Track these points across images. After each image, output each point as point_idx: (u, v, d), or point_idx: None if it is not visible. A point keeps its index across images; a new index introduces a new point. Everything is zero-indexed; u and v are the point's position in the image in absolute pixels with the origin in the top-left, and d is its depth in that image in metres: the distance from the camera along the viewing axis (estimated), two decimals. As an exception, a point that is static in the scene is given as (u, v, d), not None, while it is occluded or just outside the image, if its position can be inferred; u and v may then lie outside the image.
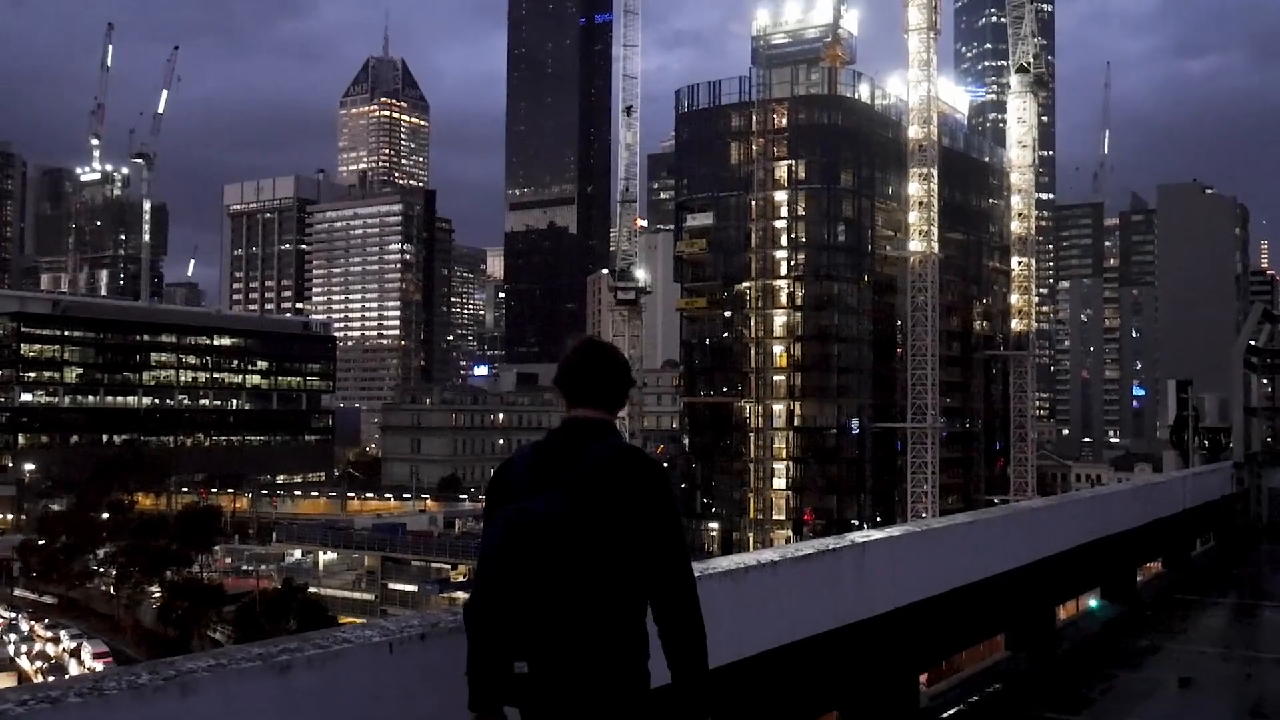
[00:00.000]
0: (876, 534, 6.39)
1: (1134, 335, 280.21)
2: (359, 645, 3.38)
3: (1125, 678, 9.10)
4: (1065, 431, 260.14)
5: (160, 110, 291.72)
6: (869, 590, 5.95)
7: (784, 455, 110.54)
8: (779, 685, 5.09)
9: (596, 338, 4.22)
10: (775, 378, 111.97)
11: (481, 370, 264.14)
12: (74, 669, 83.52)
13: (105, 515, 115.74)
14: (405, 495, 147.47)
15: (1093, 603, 12.10)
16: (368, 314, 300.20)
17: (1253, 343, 19.75)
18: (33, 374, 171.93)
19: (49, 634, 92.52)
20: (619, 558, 3.39)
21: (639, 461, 3.53)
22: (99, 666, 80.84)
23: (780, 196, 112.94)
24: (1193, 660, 9.89)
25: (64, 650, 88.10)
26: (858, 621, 5.71)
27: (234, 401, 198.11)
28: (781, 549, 5.46)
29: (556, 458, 3.52)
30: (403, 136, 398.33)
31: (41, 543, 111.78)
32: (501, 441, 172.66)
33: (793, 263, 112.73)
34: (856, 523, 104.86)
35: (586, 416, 3.66)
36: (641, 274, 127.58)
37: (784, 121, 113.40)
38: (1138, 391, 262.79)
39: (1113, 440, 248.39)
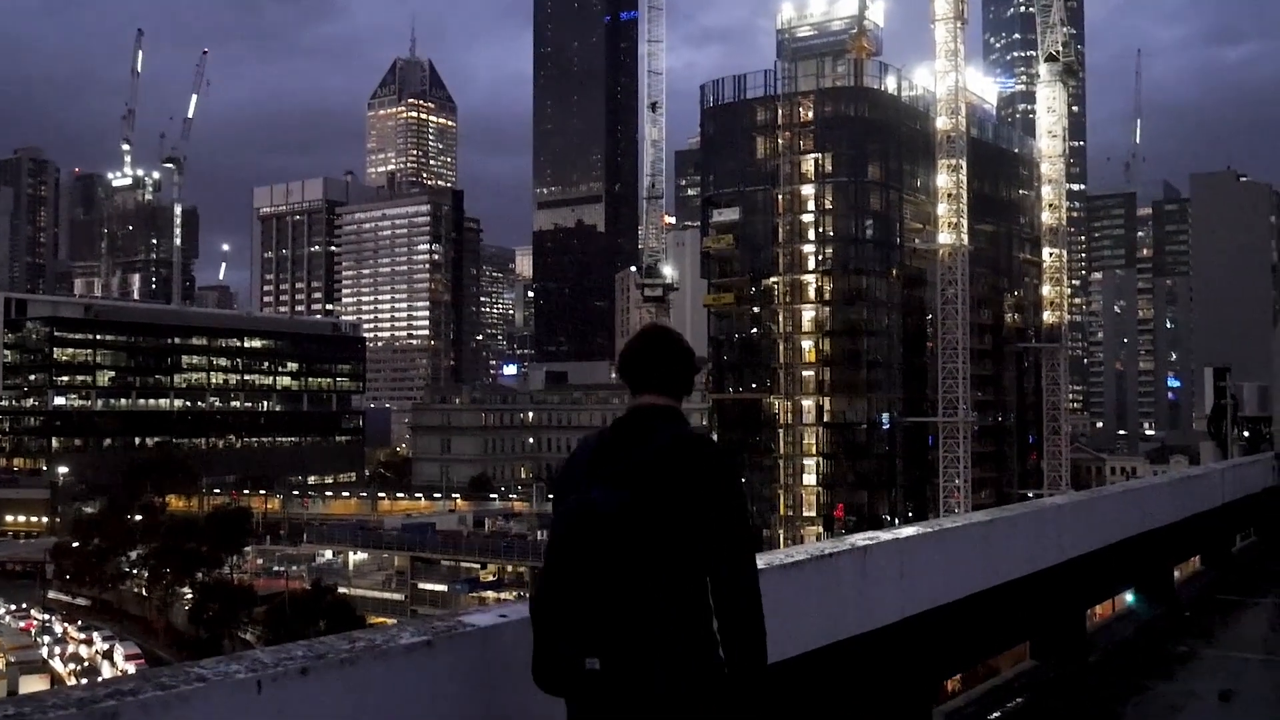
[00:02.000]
0: (883, 535, 5.74)
1: (1168, 326, 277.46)
2: (215, 684, 2.75)
3: (1161, 689, 8.39)
4: (1099, 424, 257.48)
5: (190, 115, 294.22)
6: (872, 600, 5.32)
7: (814, 451, 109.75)
8: (766, 710, 4.48)
9: (660, 324, 4.03)
10: (804, 373, 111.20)
11: (511, 369, 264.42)
12: (107, 671, 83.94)
13: (138, 517, 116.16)
14: (436, 495, 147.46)
15: (1129, 597, 11.43)
16: (397, 314, 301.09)
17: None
18: (65, 378, 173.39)
19: (82, 636, 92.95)
20: (685, 549, 3.29)
21: (701, 450, 3.42)
22: (131, 668, 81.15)
23: (807, 190, 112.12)
24: (1234, 669, 9.17)
25: (97, 652, 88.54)
26: (859, 635, 5.08)
27: (265, 403, 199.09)
28: (769, 555, 4.82)
29: (620, 446, 3.45)
30: (430, 137, 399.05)
31: (75, 545, 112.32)
32: (531, 440, 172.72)
33: (820, 257, 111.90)
34: (888, 518, 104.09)
35: (652, 404, 3.58)
36: (668, 271, 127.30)
37: (810, 115, 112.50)
38: (1173, 383, 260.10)
39: (1148, 432, 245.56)
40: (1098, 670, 8.64)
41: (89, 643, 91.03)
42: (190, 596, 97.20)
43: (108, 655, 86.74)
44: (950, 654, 6.29)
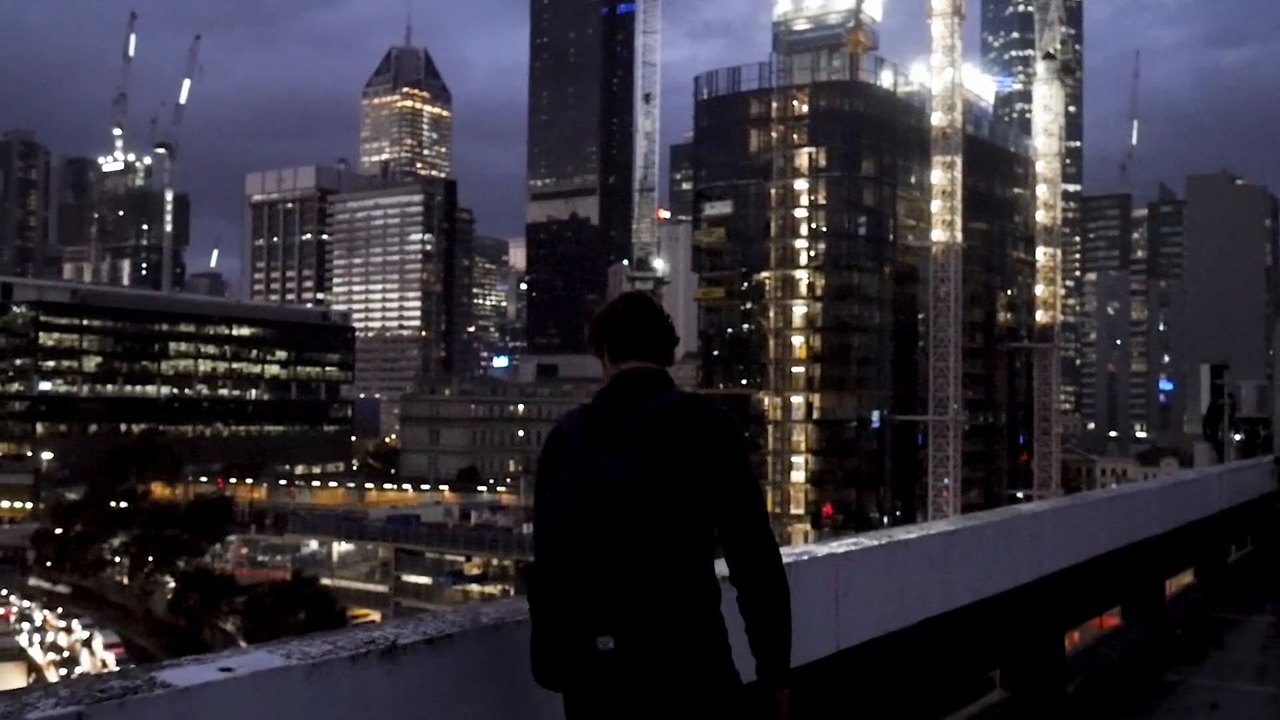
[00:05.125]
0: (816, 550, 4.75)
1: (1161, 328, 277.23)
2: None
3: None
4: (1091, 425, 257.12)
5: (182, 100, 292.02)
6: (798, 630, 4.35)
7: (803, 448, 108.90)
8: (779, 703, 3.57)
9: (639, 291, 3.85)
10: (794, 369, 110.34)
11: (501, 361, 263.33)
12: (86, 659, 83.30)
13: (121, 504, 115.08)
14: (423, 486, 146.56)
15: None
16: (388, 304, 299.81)
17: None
18: (51, 363, 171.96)
19: (61, 624, 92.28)
20: (696, 517, 3.12)
21: (706, 411, 3.23)
22: (110, 657, 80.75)
23: (800, 185, 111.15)
24: (1231, 700, 8.19)
25: (76, 640, 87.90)
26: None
27: (253, 391, 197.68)
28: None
29: (615, 413, 3.22)
30: (425, 127, 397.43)
31: (57, 531, 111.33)
32: (521, 433, 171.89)
33: (813, 252, 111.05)
34: (877, 517, 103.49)
35: (640, 368, 3.34)
36: (659, 264, 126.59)
37: (804, 108, 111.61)
38: (1164, 385, 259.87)
39: (1139, 435, 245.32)
40: (1076, 702, 7.62)
41: (68, 631, 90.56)
42: (171, 585, 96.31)
43: (87, 644, 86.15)
44: (895, 692, 5.32)
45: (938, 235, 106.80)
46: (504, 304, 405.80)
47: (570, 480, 3.09)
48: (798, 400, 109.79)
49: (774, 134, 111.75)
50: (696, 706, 3.01)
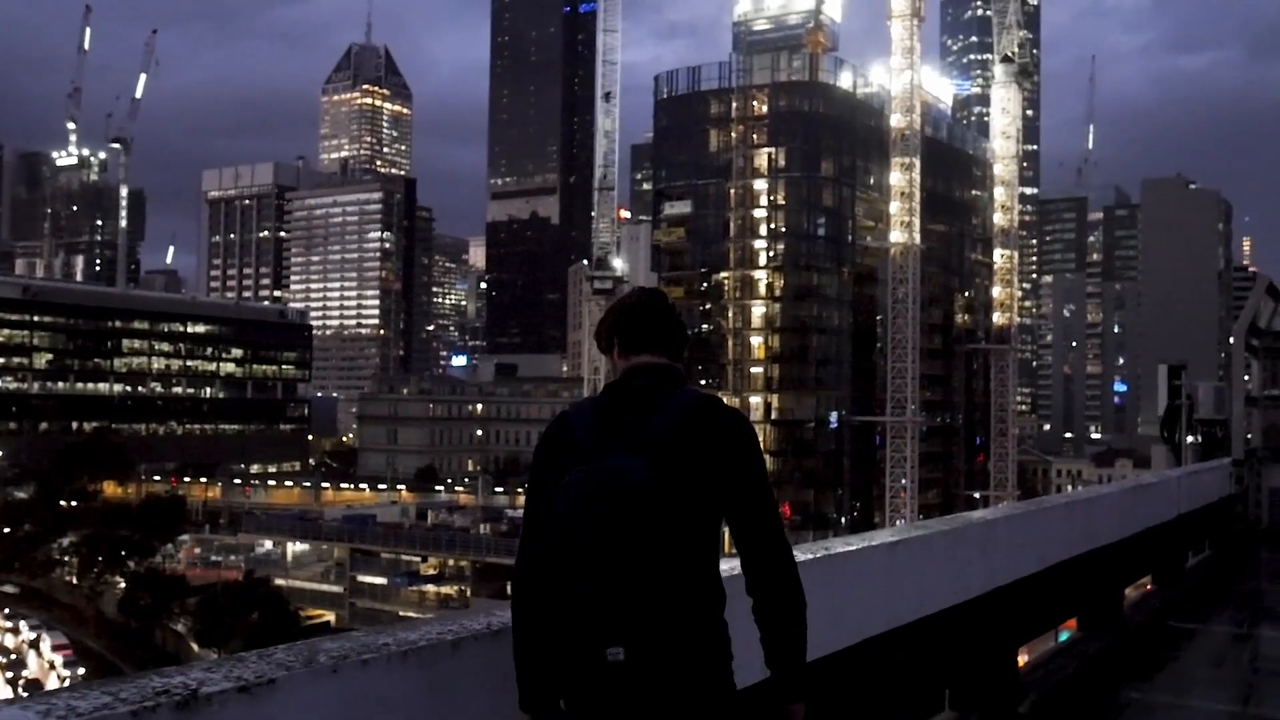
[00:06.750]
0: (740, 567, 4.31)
1: (1116, 330, 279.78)
2: None
3: None
4: (1046, 426, 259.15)
5: (138, 95, 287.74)
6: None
7: (761, 449, 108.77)
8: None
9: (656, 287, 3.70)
10: (753, 370, 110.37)
11: (459, 360, 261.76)
12: (33, 661, 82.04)
13: (72, 503, 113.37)
14: (380, 486, 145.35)
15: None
16: (346, 302, 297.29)
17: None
18: (1, 359, 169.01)
19: (9, 625, 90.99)
20: (711, 521, 3.06)
21: (725, 414, 3.13)
22: (59, 659, 79.48)
23: (760, 185, 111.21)
24: (1190, 718, 7.84)
25: (24, 642, 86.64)
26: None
27: (208, 389, 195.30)
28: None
29: (629, 411, 3.09)
30: (385, 124, 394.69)
31: (5, 531, 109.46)
32: (479, 432, 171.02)
33: (772, 253, 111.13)
34: (835, 517, 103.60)
35: (652, 363, 3.22)
36: (619, 263, 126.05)
37: (764, 108, 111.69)
38: (1119, 387, 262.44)
39: (1094, 436, 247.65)
40: None
41: (15, 632, 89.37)
42: (122, 585, 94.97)
43: (34, 645, 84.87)
44: (839, 715, 4.87)
45: (896, 236, 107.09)
46: (463, 303, 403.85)
47: (582, 483, 2.89)
48: (756, 400, 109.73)
49: (734, 134, 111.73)
50: (701, 717, 2.89)
